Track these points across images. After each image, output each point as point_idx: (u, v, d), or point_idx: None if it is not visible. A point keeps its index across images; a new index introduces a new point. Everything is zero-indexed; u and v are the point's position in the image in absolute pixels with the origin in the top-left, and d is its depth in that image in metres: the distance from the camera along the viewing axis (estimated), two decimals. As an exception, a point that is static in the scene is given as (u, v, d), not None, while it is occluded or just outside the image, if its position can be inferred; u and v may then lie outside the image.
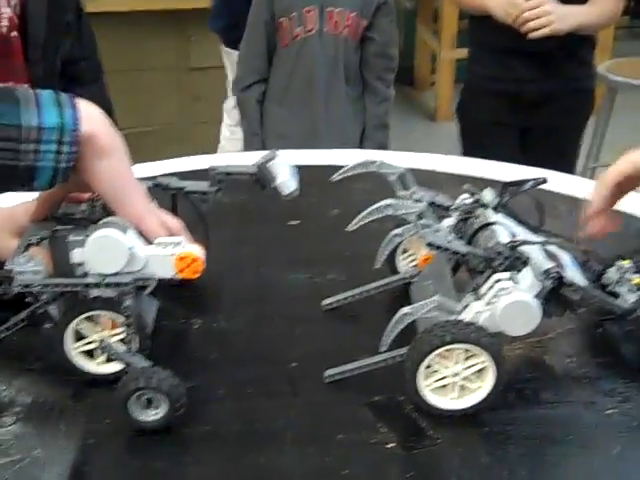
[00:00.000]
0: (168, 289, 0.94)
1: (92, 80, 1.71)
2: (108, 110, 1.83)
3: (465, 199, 0.87)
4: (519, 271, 0.75)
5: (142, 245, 0.75)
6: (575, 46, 1.96)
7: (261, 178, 0.87)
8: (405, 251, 0.96)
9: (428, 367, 0.73)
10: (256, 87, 2.15)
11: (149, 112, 3.14)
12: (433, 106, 4.44)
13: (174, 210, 0.91)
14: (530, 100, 2.06)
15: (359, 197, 1.17)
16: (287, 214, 1.14)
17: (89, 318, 0.77)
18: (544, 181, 0.88)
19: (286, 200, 0.86)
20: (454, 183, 1.00)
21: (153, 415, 0.72)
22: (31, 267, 0.74)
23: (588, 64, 2.08)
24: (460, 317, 0.74)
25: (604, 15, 1.94)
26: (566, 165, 2.07)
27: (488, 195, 0.86)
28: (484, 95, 2.13)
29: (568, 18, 1.84)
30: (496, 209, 0.84)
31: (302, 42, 2.06)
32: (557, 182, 1.17)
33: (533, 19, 1.82)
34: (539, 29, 1.83)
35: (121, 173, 0.75)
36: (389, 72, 2.19)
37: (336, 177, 0.89)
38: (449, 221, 0.86)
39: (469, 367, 0.73)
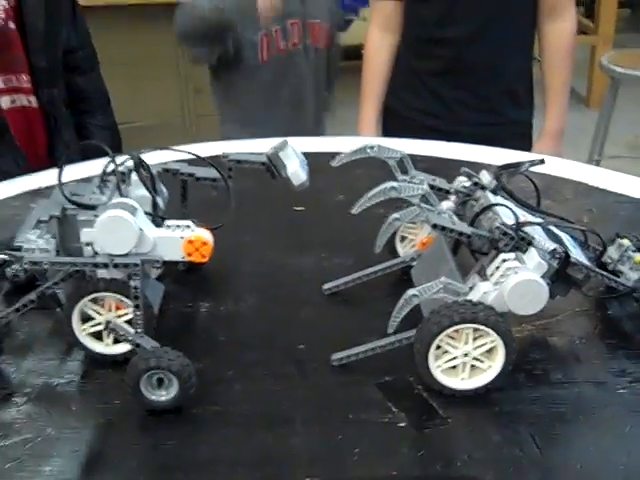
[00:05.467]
0: (175, 273, 0.94)
1: (90, 68, 1.71)
2: (105, 98, 1.82)
3: (463, 182, 0.87)
4: (524, 252, 0.75)
5: (151, 227, 0.74)
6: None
7: (271, 167, 0.86)
8: (403, 239, 0.97)
9: (438, 348, 0.73)
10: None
11: (150, 105, 3.13)
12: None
13: (184, 196, 0.91)
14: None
15: (364, 183, 1.15)
16: (293, 200, 1.14)
17: (95, 300, 0.77)
18: (541, 162, 0.87)
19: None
20: (442, 167, 1.00)
21: (164, 395, 0.72)
22: (40, 244, 0.73)
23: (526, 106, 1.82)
24: (468, 298, 0.74)
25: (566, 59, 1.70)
26: None
27: (485, 177, 0.86)
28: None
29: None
30: (494, 192, 0.84)
31: (287, 57, 1.88)
32: (562, 167, 1.17)
33: None
34: None
35: None
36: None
37: (336, 163, 0.89)
38: (447, 204, 0.86)
39: (479, 347, 0.73)
